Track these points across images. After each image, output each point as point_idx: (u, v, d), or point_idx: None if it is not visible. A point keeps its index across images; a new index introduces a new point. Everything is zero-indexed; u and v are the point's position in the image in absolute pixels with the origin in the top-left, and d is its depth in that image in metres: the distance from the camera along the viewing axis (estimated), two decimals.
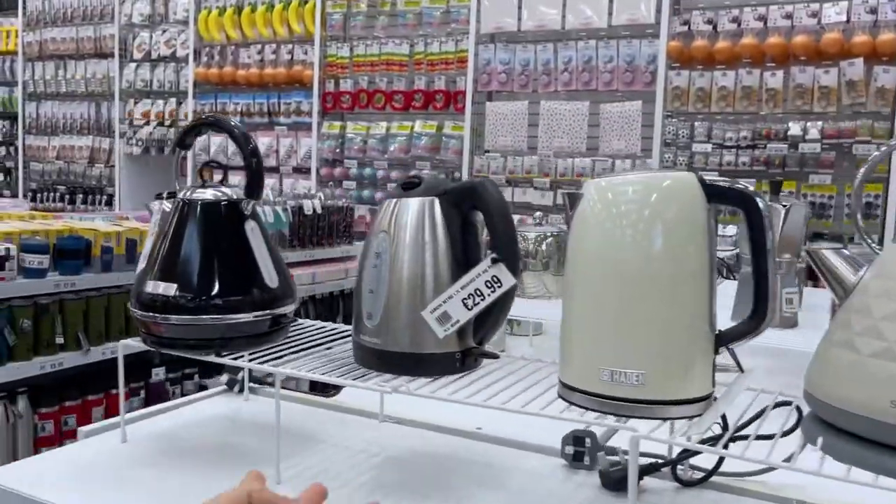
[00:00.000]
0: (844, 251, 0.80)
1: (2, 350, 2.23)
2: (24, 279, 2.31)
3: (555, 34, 4.15)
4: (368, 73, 4.63)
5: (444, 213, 0.93)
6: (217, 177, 1.08)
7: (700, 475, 1.00)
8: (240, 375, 1.32)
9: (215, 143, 5.07)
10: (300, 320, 1.18)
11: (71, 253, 2.42)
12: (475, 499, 0.95)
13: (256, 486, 0.57)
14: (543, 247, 1.61)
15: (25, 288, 2.30)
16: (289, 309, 1.06)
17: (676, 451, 1.00)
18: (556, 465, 1.05)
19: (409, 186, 0.96)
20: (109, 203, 5.47)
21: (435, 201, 0.93)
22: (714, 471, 0.98)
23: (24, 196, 5.67)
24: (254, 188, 1.04)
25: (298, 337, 1.12)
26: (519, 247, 0.94)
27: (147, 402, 2.67)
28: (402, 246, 0.92)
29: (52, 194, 5.72)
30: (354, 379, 0.94)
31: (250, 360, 1.00)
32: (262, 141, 4.81)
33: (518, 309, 1.08)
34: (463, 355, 0.93)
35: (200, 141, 5.12)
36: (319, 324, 1.20)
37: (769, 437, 0.81)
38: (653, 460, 1.00)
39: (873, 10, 3.48)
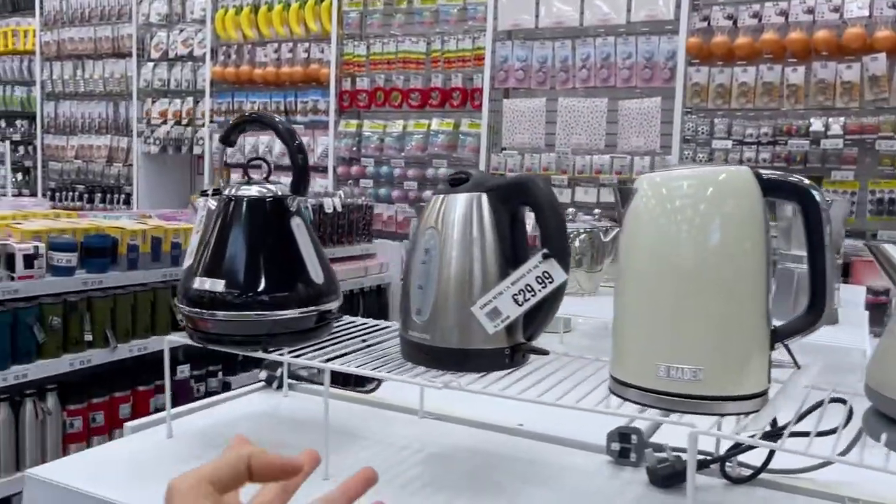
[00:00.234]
0: None
1: (32, 347, 2.24)
2: (53, 277, 2.33)
3: (573, 31, 4.14)
4: (385, 71, 4.63)
5: (493, 209, 0.93)
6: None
7: (748, 472, 0.99)
8: (278, 372, 1.32)
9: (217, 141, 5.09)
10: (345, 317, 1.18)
11: (98, 251, 2.44)
12: (524, 495, 0.95)
13: (247, 449, 0.51)
14: (577, 243, 1.61)
15: (55, 286, 2.32)
16: (334, 305, 1.07)
17: (724, 447, 1.00)
18: (601, 461, 1.05)
19: (457, 182, 0.96)
20: (127, 202, 5.50)
21: (483, 197, 0.93)
22: (763, 467, 0.97)
23: (44, 195, 5.71)
24: (300, 184, 1.04)
25: (342, 333, 1.12)
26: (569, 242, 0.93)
27: (173, 399, 2.68)
28: (450, 242, 0.92)
29: (70, 193, 5.76)
30: (402, 374, 0.94)
31: (298, 356, 1.01)
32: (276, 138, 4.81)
33: None
34: (512, 351, 0.93)
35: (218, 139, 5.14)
36: (360, 320, 1.20)
37: (828, 432, 0.80)
38: (701, 457, 0.99)
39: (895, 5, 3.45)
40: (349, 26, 4.72)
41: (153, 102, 5.40)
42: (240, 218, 1.02)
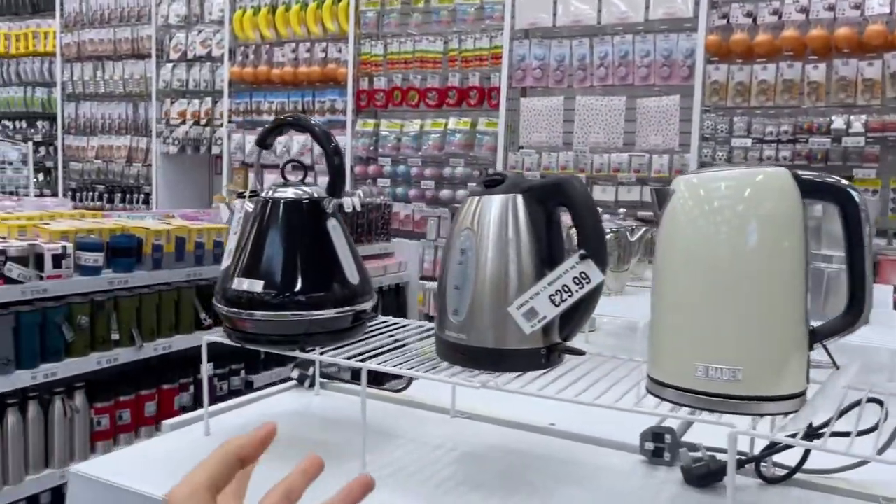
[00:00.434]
0: None
1: (60, 346, 2.27)
2: (80, 277, 2.36)
3: (590, 29, 4.13)
4: (402, 71, 4.64)
5: (528, 210, 0.93)
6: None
7: (783, 472, 0.99)
8: (310, 371, 1.34)
9: (237, 140, 5.12)
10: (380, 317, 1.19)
11: (124, 251, 2.47)
12: (560, 495, 0.95)
13: (229, 444, 0.50)
14: None
15: (82, 285, 2.35)
16: (368, 305, 1.08)
17: (759, 447, 1.00)
18: (634, 461, 1.06)
19: (492, 184, 0.96)
20: (147, 201, 5.55)
21: (518, 198, 0.94)
22: (798, 467, 0.97)
23: (64, 195, 5.78)
24: (336, 186, 1.06)
25: (373, 332, 1.13)
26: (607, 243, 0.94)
27: (196, 398, 2.71)
28: (486, 243, 0.93)
29: (91, 193, 5.82)
30: (439, 374, 0.95)
31: (336, 355, 1.02)
32: (297, 139, 4.84)
33: None
34: (548, 351, 0.93)
35: (237, 139, 5.17)
36: (393, 320, 1.21)
37: (865, 432, 0.80)
38: (737, 457, 0.99)
39: None
40: (366, 26, 4.74)
41: (172, 103, 5.44)
42: (277, 219, 1.04)
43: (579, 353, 0.95)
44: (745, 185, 0.83)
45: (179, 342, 2.62)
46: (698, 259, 0.83)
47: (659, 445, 1.04)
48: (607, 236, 1.67)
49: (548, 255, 0.93)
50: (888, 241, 3.57)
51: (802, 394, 0.83)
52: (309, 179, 1.09)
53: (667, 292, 0.86)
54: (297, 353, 1.05)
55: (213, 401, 2.74)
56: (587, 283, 0.89)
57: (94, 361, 2.36)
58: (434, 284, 4.59)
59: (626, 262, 1.64)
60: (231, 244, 1.06)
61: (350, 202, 1.08)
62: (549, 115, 4.26)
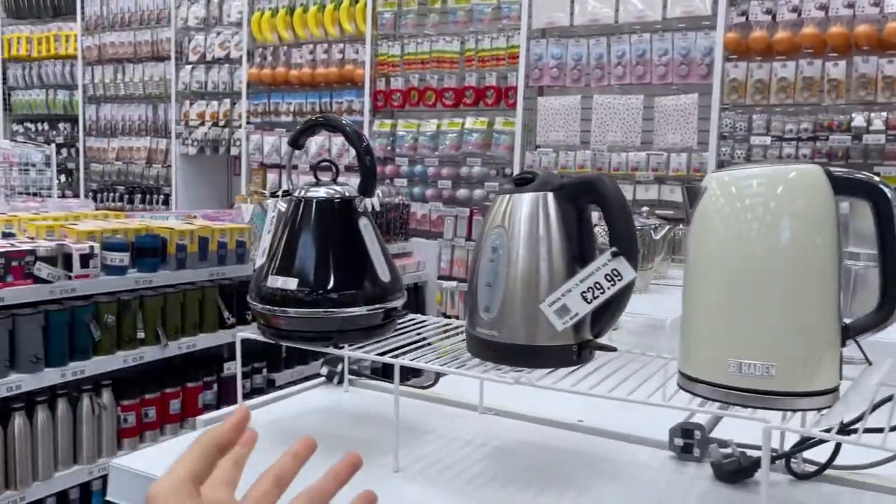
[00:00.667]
0: None
1: (88, 344, 2.31)
2: (107, 276, 2.39)
3: (608, 28, 4.13)
4: (419, 71, 4.66)
5: (559, 208, 0.94)
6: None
7: (813, 468, 1.00)
8: (339, 367, 1.36)
9: (255, 141, 5.16)
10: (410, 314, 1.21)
11: (149, 251, 2.50)
12: (592, 490, 0.96)
13: (206, 435, 0.51)
14: None
15: (109, 285, 2.38)
16: (399, 302, 1.09)
17: (788, 444, 1.01)
18: (664, 457, 1.06)
19: (523, 182, 0.98)
20: (166, 202, 5.61)
21: (549, 196, 0.95)
22: (829, 463, 0.98)
23: (86, 196, 5.85)
24: (367, 185, 1.07)
25: (406, 330, 1.15)
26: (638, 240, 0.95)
27: (219, 396, 2.74)
28: (517, 241, 0.94)
29: (111, 194, 5.89)
30: (472, 370, 0.97)
31: (368, 352, 1.03)
32: (315, 140, 4.87)
33: None
34: (579, 348, 0.94)
35: (256, 140, 5.21)
36: (421, 317, 1.22)
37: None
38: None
39: None
40: (383, 27, 4.76)
41: (191, 104, 5.50)
42: (310, 219, 1.05)
43: (611, 349, 0.96)
44: (778, 182, 0.83)
45: (203, 341, 2.66)
46: (731, 256, 0.83)
47: (688, 441, 1.05)
48: None
49: (579, 252, 0.95)
50: None
51: (835, 389, 0.83)
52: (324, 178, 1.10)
53: (699, 289, 0.86)
54: (330, 350, 1.07)
55: (236, 399, 2.76)
56: (619, 279, 0.90)
57: (120, 360, 2.40)
58: (451, 284, 4.61)
59: (651, 261, 1.65)
60: (265, 243, 1.08)
61: (369, 202, 1.10)
62: (567, 114, 4.26)
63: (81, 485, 2.37)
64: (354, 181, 1.10)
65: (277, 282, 1.04)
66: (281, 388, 2.70)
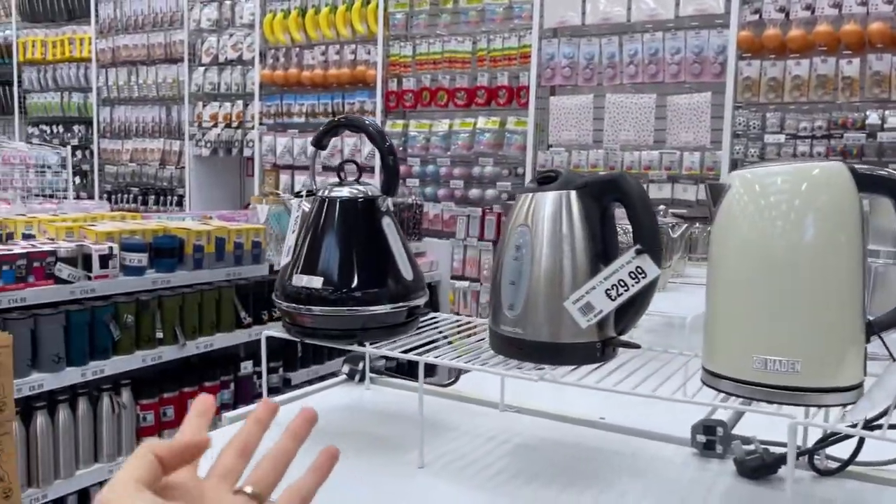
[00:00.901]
0: None
1: (108, 344, 2.34)
2: (125, 276, 2.42)
3: (620, 27, 4.12)
4: (431, 71, 4.67)
5: (582, 206, 0.95)
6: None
7: (835, 465, 1.00)
8: (360, 366, 1.37)
9: (268, 142, 5.19)
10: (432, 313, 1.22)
11: (167, 251, 2.53)
12: (616, 486, 0.97)
13: (148, 445, 0.49)
14: None
15: (127, 285, 2.41)
16: (422, 300, 1.11)
17: (811, 440, 1.01)
18: (686, 453, 1.07)
19: (546, 181, 0.99)
20: (180, 203, 5.65)
21: (572, 194, 0.96)
22: (852, 459, 0.98)
23: (100, 197, 5.89)
24: (391, 185, 1.08)
25: (424, 328, 1.16)
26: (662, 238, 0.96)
27: (236, 395, 2.77)
28: (541, 239, 0.95)
29: (125, 195, 5.94)
30: (496, 367, 0.98)
31: (393, 350, 1.05)
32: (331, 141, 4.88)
33: None
34: (603, 345, 0.95)
35: (268, 142, 5.24)
36: (443, 315, 1.24)
37: None
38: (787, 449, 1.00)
39: None
40: (395, 27, 4.77)
41: (204, 106, 5.53)
42: (334, 218, 1.07)
43: (635, 346, 0.97)
44: (802, 179, 0.84)
45: (220, 340, 2.68)
46: (755, 253, 0.84)
47: (711, 438, 1.06)
48: None
49: (602, 250, 0.95)
50: None
51: (859, 385, 0.84)
52: (373, 181, 1.12)
53: (723, 286, 0.87)
54: (354, 347, 1.08)
55: (252, 398, 2.79)
56: (643, 277, 0.91)
57: (139, 359, 2.42)
58: (464, 283, 4.62)
59: (668, 259, 1.65)
60: (289, 242, 1.10)
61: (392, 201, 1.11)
62: (579, 114, 4.26)
63: (102, 483, 2.40)
64: (367, 181, 1.12)
65: (302, 280, 1.05)
66: (297, 387, 2.72)
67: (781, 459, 0.99)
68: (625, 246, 0.96)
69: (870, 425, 0.85)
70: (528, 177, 4.35)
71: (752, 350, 0.83)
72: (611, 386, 0.91)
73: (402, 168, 4.80)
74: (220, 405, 2.71)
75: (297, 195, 1.12)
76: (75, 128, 6.30)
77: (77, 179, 6.03)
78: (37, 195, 5.04)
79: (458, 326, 1.20)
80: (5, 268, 2.14)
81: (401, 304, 1.07)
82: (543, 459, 1.06)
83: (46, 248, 2.26)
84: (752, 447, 1.00)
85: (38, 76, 6.45)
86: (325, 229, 1.06)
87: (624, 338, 0.99)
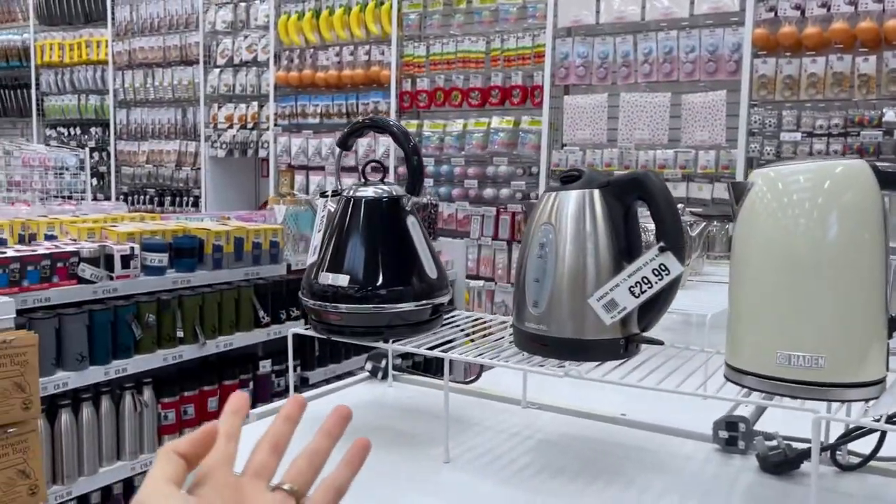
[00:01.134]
0: None
1: (130, 343, 2.37)
2: (146, 276, 2.45)
3: (634, 26, 4.12)
4: (445, 71, 4.69)
5: (606, 204, 0.97)
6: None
7: (857, 460, 1.01)
8: (382, 363, 1.39)
9: (282, 143, 5.22)
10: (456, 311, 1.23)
11: (187, 251, 2.56)
12: (639, 481, 0.98)
13: (167, 445, 0.51)
14: None
15: (149, 285, 2.44)
16: (445, 298, 1.12)
17: (833, 436, 1.02)
18: (708, 449, 1.08)
19: (570, 180, 1.00)
20: (196, 204, 5.70)
21: (595, 193, 0.97)
22: (873, 454, 0.99)
23: (117, 199, 5.95)
24: (415, 185, 1.10)
25: (448, 326, 1.18)
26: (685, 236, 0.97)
27: (255, 394, 2.79)
28: (564, 237, 0.97)
29: (142, 196, 6.00)
30: (521, 363, 0.99)
31: (418, 346, 1.06)
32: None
33: None
34: (627, 341, 0.96)
35: (283, 142, 5.28)
36: (465, 313, 1.25)
37: None
38: (809, 445, 1.01)
39: None
40: (409, 28, 4.79)
41: (219, 107, 5.57)
42: (359, 217, 1.08)
43: (658, 342, 0.98)
44: (825, 177, 0.85)
45: (239, 339, 2.71)
46: (779, 251, 0.85)
47: (733, 434, 1.07)
48: None
49: (625, 247, 0.97)
50: None
51: (882, 380, 0.84)
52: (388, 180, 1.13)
53: (746, 283, 0.88)
54: (378, 344, 1.10)
55: (270, 397, 2.81)
56: (667, 274, 0.92)
57: (160, 358, 2.45)
58: (479, 283, 4.63)
59: (687, 257, 1.66)
60: (315, 241, 1.12)
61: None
62: (593, 113, 4.26)
63: (124, 480, 2.43)
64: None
65: (329, 279, 1.07)
66: (315, 386, 2.75)
67: (804, 455, 1.00)
68: (646, 244, 0.98)
69: (893, 420, 0.86)
70: (543, 176, 4.36)
71: (775, 346, 0.84)
72: (635, 382, 0.92)
73: None
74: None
75: (323, 195, 1.14)
76: (92, 130, 6.37)
77: (94, 181, 6.10)
78: (55, 197, 5.10)
79: (478, 323, 1.21)
80: (30, 268, 2.18)
81: (425, 301, 1.09)
82: (567, 455, 1.07)
83: (69, 248, 2.29)
84: (774, 443, 1.01)
85: (55, 79, 6.52)
86: (351, 229, 1.08)
87: (646, 334, 1.00)
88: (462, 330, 1.19)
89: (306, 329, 1.14)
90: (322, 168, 5.18)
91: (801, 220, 0.84)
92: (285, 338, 1.17)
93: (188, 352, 2.54)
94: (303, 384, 2.95)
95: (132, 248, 2.39)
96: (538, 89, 4.39)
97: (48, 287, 2.21)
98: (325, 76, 5.07)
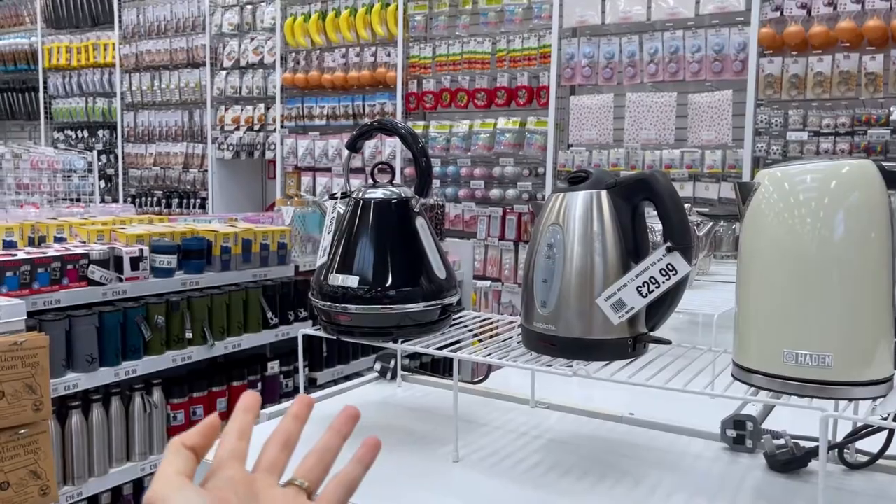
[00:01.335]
0: None
1: (139, 344, 2.39)
2: (155, 278, 2.47)
3: (640, 26, 4.13)
4: (451, 73, 4.70)
5: (613, 205, 0.97)
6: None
7: (865, 458, 1.01)
8: (391, 363, 1.40)
9: (289, 145, 5.24)
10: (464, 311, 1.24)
11: (195, 253, 2.57)
12: (648, 480, 0.99)
13: (176, 439, 0.52)
14: None
15: (158, 286, 2.46)
16: (454, 299, 1.13)
17: (841, 435, 1.02)
18: (716, 448, 1.09)
19: (577, 180, 1.01)
20: (203, 206, 5.72)
21: (602, 193, 0.98)
22: (881, 453, 0.99)
23: (125, 201, 5.99)
24: (423, 186, 1.11)
25: (456, 326, 1.18)
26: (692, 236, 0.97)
27: (264, 395, 2.80)
28: (572, 237, 0.97)
29: (149, 198, 6.03)
30: (530, 363, 1.00)
31: (427, 347, 1.07)
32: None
33: None
34: (634, 341, 0.97)
35: (290, 144, 5.30)
36: (473, 314, 1.26)
37: None
38: (816, 444, 1.01)
39: None
40: (415, 29, 4.80)
41: (226, 109, 5.60)
42: (368, 219, 1.09)
43: (665, 342, 0.98)
44: (832, 176, 0.85)
45: (248, 340, 2.72)
46: (786, 250, 0.85)
47: (741, 433, 1.07)
48: None
49: (633, 248, 0.97)
50: None
51: (890, 379, 0.85)
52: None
53: (754, 283, 0.89)
54: (388, 344, 1.11)
55: (278, 397, 2.83)
56: (674, 274, 0.93)
57: (169, 359, 2.47)
58: (485, 283, 4.64)
59: (694, 257, 1.67)
60: (325, 242, 1.13)
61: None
62: (599, 113, 4.27)
63: (134, 481, 2.45)
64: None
65: (338, 280, 1.08)
66: (323, 387, 2.76)
67: (811, 453, 1.00)
68: (653, 245, 0.98)
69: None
70: (549, 177, 4.37)
71: (782, 345, 0.85)
72: (643, 381, 0.93)
73: None
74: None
75: (332, 197, 1.15)
76: (100, 132, 6.41)
77: (102, 183, 6.13)
78: (63, 199, 5.13)
79: (485, 324, 1.22)
80: (40, 270, 2.20)
81: (434, 302, 1.09)
82: (575, 454, 1.08)
83: (79, 250, 2.31)
84: (782, 441, 1.02)
85: (63, 82, 6.56)
86: (360, 230, 1.09)
87: (654, 334, 1.00)
88: (470, 330, 1.20)
89: (316, 330, 1.15)
90: (329, 169, 5.20)
91: (808, 219, 0.85)
92: (293, 339, 1.19)
93: (197, 353, 2.55)
94: (311, 385, 2.96)
95: (141, 250, 2.40)
96: (544, 90, 4.39)
97: (58, 289, 2.23)
98: (331, 78, 5.09)
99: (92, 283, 2.31)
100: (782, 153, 3.78)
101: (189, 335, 2.51)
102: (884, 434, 0.95)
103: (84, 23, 6.41)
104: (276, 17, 5.28)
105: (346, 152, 1.21)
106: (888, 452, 0.99)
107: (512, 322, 1.19)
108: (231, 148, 5.55)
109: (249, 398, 0.57)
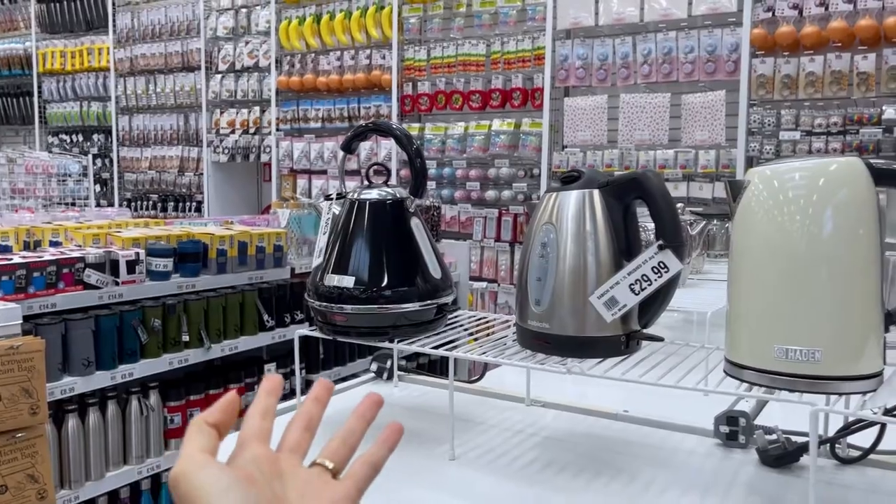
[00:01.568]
0: None
1: (136, 348, 2.39)
2: (151, 281, 2.47)
3: (633, 27, 4.15)
4: (446, 75, 4.71)
5: (605, 204, 0.98)
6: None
7: (857, 453, 1.02)
8: (388, 364, 1.40)
9: (284, 148, 5.24)
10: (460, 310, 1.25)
11: (191, 256, 2.58)
12: (642, 476, 1.00)
13: (197, 418, 0.52)
14: None
15: (154, 289, 2.46)
16: (449, 298, 1.14)
17: (832, 430, 1.04)
18: (709, 444, 1.10)
19: (570, 180, 1.02)
20: (199, 209, 5.72)
21: (595, 193, 0.99)
22: (873, 448, 1.00)
23: (120, 205, 5.98)
24: (419, 187, 1.12)
25: (451, 325, 1.19)
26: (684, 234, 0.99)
27: None
28: (565, 236, 0.98)
29: (145, 202, 6.02)
30: (525, 361, 1.01)
31: (424, 346, 1.08)
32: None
33: None
34: (627, 338, 0.98)
35: (285, 147, 5.30)
36: (469, 313, 1.27)
37: None
38: (808, 439, 1.03)
39: None
40: (409, 32, 4.82)
41: (221, 113, 5.60)
42: (364, 220, 1.10)
43: (658, 339, 1.00)
44: (820, 174, 0.87)
45: (244, 343, 2.72)
46: (776, 247, 0.87)
47: (733, 429, 1.08)
48: None
49: (625, 246, 0.98)
50: None
51: (879, 374, 0.86)
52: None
53: (744, 279, 0.90)
54: (386, 344, 1.11)
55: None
56: (666, 272, 0.94)
57: (166, 362, 2.47)
58: (481, 284, 4.65)
59: (688, 256, 1.68)
60: (321, 243, 1.13)
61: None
62: (593, 114, 4.28)
63: (131, 484, 2.45)
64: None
65: (334, 280, 1.09)
66: None
67: (803, 448, 1.01)
68: (645, 243, 0.99)
69: (891, 412, 0.88)
70: (544, 178, 4.38)
71: (773, 340, 0.86)
72: (636, 378, 0.94)
73: None
74: (245, 406, 2.76)
75: (328, 198, 1.16)
76: (95, 136, 6.40)
77: (97, 187, 6.13)
78: (58, 203, 5.13)
79: (481, 323, 1.23)
80: (36, 274, 2.20)
81: (430, 301, 1.10)
82: (570, 451, 1.09)
83: (75, 254, 2.31)
84: (774, 437, 1.03)
85: (57, 86, 6.55)
86: (356, 231, 1.10)
87: (647, 331, 1.01)
88: (466, 329, 1.21)
89: (312, 330, 1.16)
90: (324, 172, 5.20)
91: (797, 217, 0.86)
92: (290, 341, 1.19)
93: (194, 356, 2.55)
94: (307, 386, 2.97)
95: (137, 254, 2.41)
96: (538, 91, 4.41)
97: (54, 293, 2.23)
98: (326, 80, 5.09)
99: (88, 286, 2.31)
100: (775, 153, 3.80)
101: (185, 338, 2.51)
102: (875, 430, 0.97)
103: (78, 27, 6.40)
104: (270, 21, 5.28)
105: (341, 154, 1.22)
106: (880, 447, 1.00)
107: (507, 321, 1.20)
108: (226, 151, 5.55)
109: (272, 380, 0.57)
